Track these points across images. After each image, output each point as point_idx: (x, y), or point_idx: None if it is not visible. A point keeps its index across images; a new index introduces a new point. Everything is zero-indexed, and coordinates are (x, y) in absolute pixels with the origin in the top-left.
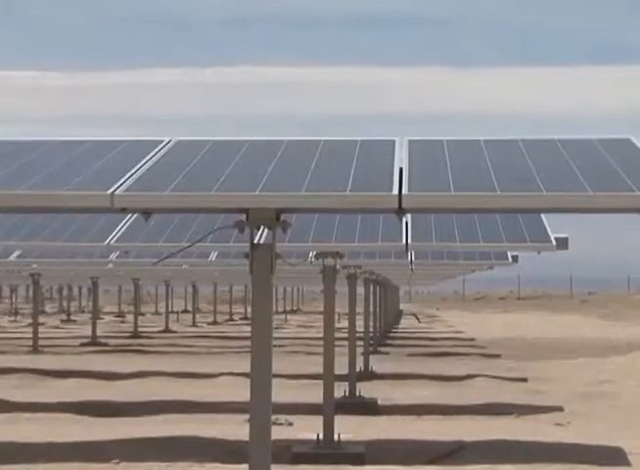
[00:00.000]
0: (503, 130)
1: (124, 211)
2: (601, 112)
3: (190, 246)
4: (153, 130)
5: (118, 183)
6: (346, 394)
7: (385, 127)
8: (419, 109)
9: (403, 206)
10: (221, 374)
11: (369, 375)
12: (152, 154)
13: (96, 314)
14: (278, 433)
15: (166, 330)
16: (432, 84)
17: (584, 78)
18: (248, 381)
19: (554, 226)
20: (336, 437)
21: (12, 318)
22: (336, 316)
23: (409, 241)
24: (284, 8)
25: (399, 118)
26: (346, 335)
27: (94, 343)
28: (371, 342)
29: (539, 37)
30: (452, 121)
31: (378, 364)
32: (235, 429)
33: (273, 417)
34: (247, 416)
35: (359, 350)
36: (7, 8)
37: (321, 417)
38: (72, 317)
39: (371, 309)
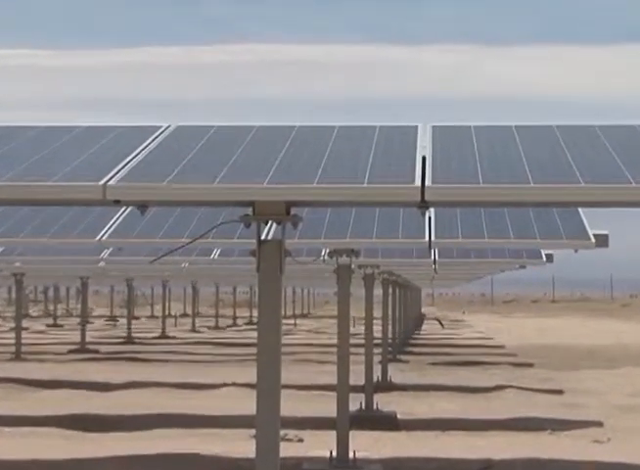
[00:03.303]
0: (537, 115)
1: (118, 203)
2: None
3: (190, 242)
4: (150, 115)
5: (112, 173)
6: (362, 407)
7: (407, 111)
8: (444, 91)
9: (426, 198)
10: (224, 385)
11: (387, 386)
12: (149, 141)
13: (85, 318)
14: (287, 450)
15: (163, 336)
16: (458, 64)
17: (626, 59)
18: (253, 392)
19: (593, 222)
20: (350, 454)
21: None
22: (351, 321)
23: (432, 237)
24: None
25: (422, 102)
26: (363, 341)
27: (83, 350)
28: (390, 349)
29: (576, 12)
30: (480, 105)
31: (397, 374)
32: (239, 445)
33: (282, 432)
34: (252, 431)
35: (376, 358)
36: None
37: (334, 432)
38: (59, 321)
39: (390, 313)
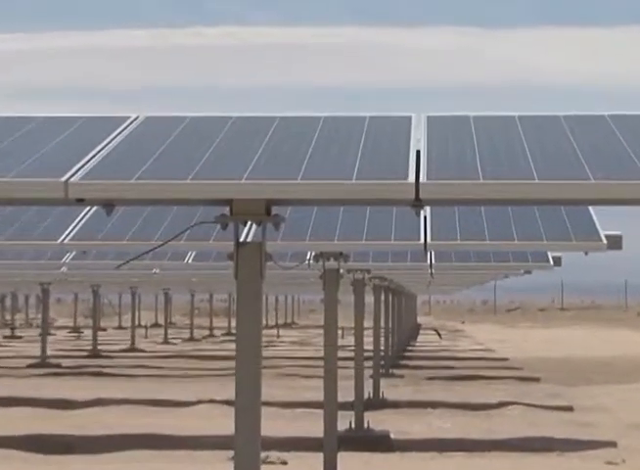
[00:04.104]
0: (542, 104)
1: (81, 202)
2: None
3: (162, 245)
4: (117, 105)
5: (74, 169)
6: (352, 426)
7: (399, 101)
8: (440, 78)
9: (421, 196)
10: (199, 402)
11: (380, 403)
12: (115, 133)
13: (46, 329)
14: None
15: (132, 348)
16: (456, 49)
17: (636, 41)
18: (231, 410)
19: (604, 222)
20: None
21: None
22: (339, 331)
23: (428, 239)
24: None
25: (416, 90)
26: (352, 354)
27: (44, 364)
28: (382, 362)
29: None
30: (480, 93)
31: (390, 390)
32: (216, 468)
33: (263, 454)
34: (231, 453)
35: (368, 372)
36: None
37: (321, 454)
38: (18, 333)
39: (382, 323)
